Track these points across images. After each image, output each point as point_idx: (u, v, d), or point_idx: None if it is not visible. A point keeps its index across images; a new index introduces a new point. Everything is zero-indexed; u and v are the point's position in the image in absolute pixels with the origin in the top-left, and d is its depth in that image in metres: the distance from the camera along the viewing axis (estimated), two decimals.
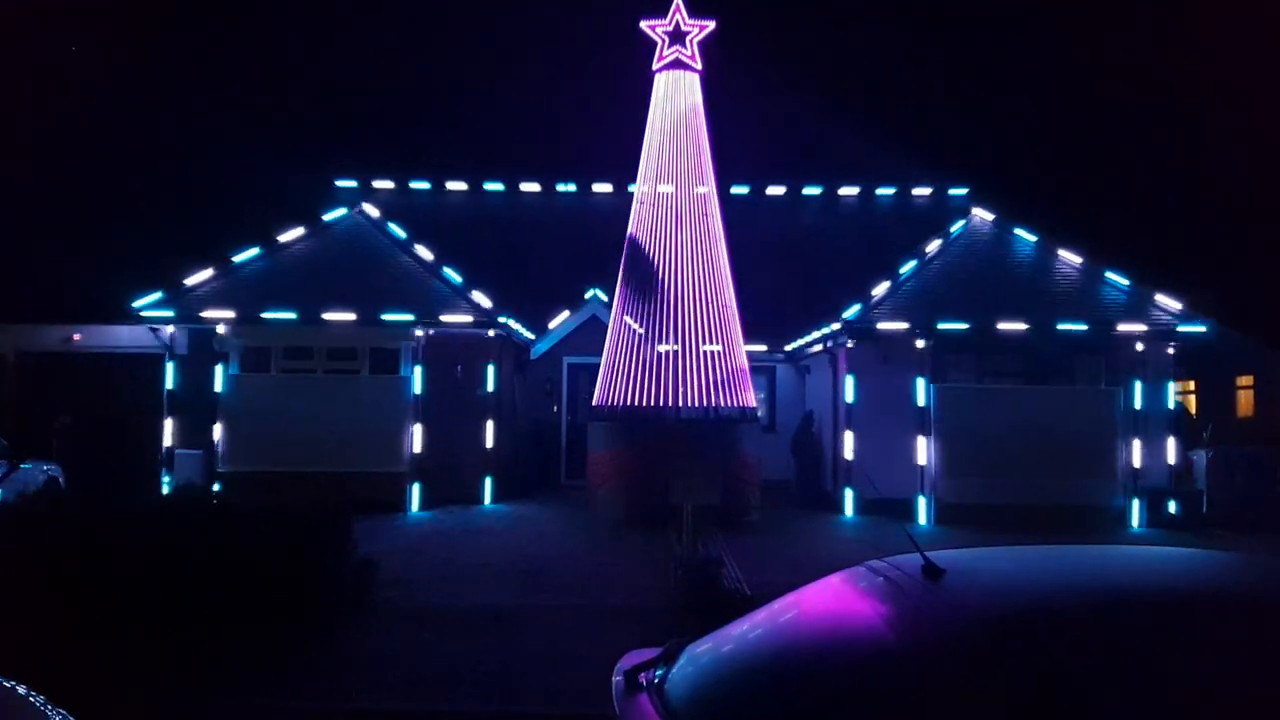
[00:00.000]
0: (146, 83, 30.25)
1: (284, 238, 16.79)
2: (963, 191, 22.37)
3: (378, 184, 22.34)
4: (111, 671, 6.03)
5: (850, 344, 15.29)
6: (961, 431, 14.64)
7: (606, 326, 15.91)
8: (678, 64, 15.42)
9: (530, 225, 21.94)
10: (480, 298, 15.92)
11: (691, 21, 15.42)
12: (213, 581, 7.27)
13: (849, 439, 15.27)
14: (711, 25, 15.49)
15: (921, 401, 14.88)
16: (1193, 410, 20.95)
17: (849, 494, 15.21)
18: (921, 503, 14.64)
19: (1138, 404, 14.89)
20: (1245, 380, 21.59)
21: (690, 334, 14.41)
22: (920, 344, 15.00)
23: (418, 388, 15.38)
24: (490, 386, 16.05)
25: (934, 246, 16.79)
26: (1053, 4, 38.42)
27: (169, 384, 15.75)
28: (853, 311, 15.23)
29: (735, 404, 14.48)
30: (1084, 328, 14.79)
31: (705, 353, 14.40)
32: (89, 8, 30.73)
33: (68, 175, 25.46)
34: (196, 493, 10.71)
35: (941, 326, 14.84)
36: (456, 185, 23.01)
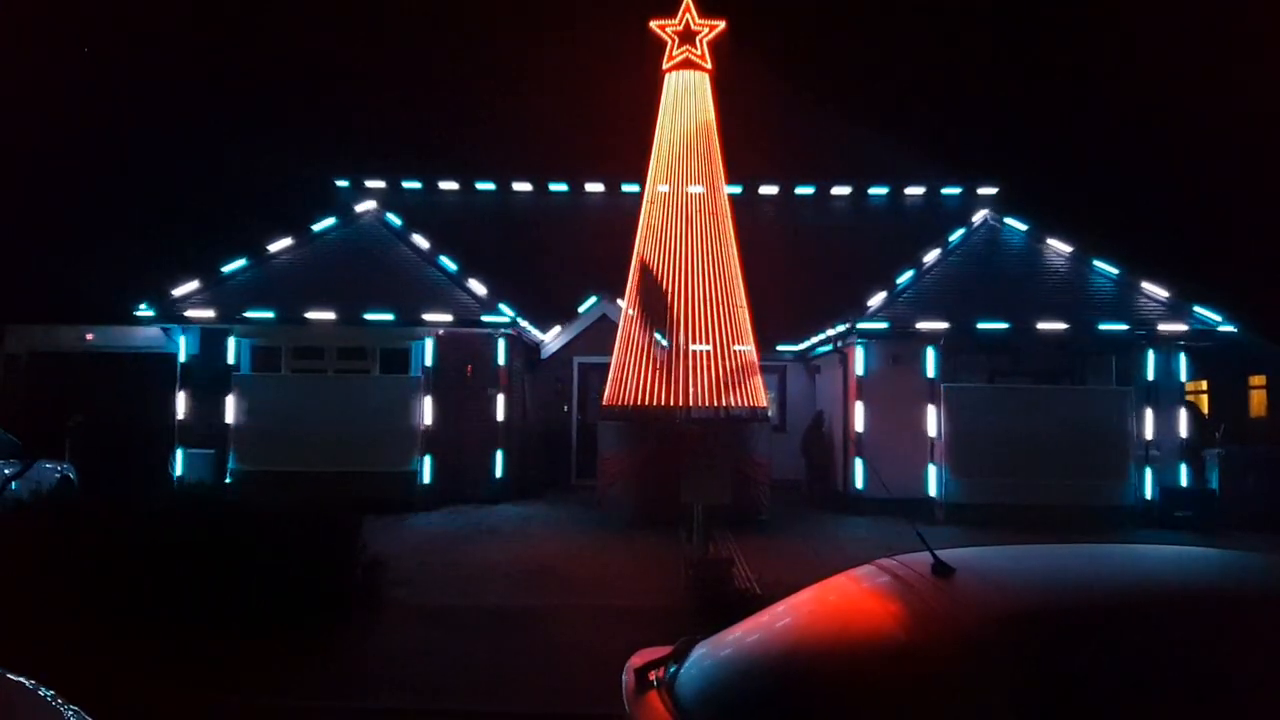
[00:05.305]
0: (155, 83, 30.36)
1: (297, 238, 16.83)
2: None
3: (374, 182, 22.39)
4: (123, 668, 6.07)
5: (859, 344, 15.26)
6: (972, 431, 14.58)
7: (617, 326, 15.91)
8: (688, 64, 15.39)
9: (538, 225, 21.94)
10: (491, 298, 15.94)
11: (701, 21, 15.39)
12: (223, 579, 7.31)
13: (859, 438, 15.24)
14: (721, 25, 15.45)
15: (932, 401, 14.83)
16: (1205, 410, 20.82)
17: (859, 493, 15.17)
18: (933, 502, 14.60)
19: (1149, 404, 14.81)
20: (1258, 380, 21.45)
21: (700, 333, 14.40)
22: (930, 344, 14.96)
23: (428, 388, 15.41)
24: (500, 387, 16.07)
25: (945, 248, 16.69)
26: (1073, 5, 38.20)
27: (180, 384, 15.81)
28: (864, 310, 15.19)
29: (746, 404, 14.47)
30: (1095, 327, 14.73)
31: (715, 352, 14.38)
32: (95, 10, 30.89)
33: (80, 176, 25.60)
34: (208, 492, 10.77)
35: (951, 326, 14.80)
36: (480, 185, 23.07)
